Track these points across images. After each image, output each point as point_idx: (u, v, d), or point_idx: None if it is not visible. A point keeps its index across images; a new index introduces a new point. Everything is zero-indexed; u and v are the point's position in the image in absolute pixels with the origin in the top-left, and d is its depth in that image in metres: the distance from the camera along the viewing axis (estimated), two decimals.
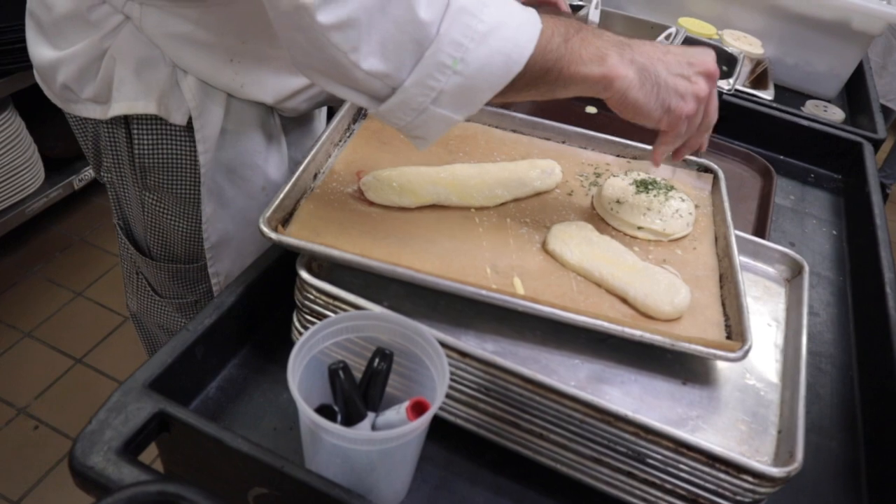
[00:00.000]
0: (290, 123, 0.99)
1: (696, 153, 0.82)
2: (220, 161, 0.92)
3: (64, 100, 0.93)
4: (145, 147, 0.92)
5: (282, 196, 0.72)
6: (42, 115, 2.10)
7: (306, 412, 0.52)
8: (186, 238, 1.00)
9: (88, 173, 2.19)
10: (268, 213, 0.69)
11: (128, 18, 0.83)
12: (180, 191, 0.95)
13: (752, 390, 0.69)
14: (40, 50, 0.91)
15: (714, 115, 0.77)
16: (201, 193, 0.94)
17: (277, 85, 0.89)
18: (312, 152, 0.79)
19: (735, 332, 0.70)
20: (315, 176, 0.79)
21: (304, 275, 0.67)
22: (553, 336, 0.70)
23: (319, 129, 1.08)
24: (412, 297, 0.70)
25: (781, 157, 1.31)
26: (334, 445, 0.53)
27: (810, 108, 1.51)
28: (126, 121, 0.90)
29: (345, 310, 0.65)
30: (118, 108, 0.88)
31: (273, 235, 0.68)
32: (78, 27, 0.86)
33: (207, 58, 0.84)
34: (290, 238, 0.68)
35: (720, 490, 0.61)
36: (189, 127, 0.89)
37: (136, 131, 0.90)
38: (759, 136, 1.30)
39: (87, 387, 1.81)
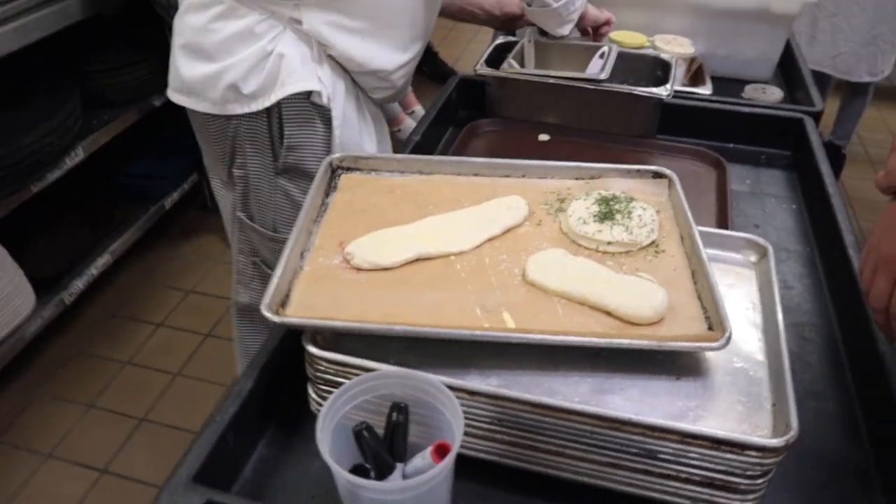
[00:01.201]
0: (375, 109, 1.34)
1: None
2: (341, 139, 1.21)
3: (223, 101, 1.17)
4: (294, 127, 1.19)
5: (276, 281, 0.76)
6: (23, 239, 2.14)
7: (342, 475, 0.56)
8: None
9: (77, 287, 2.23)
10: (267, 300, 0.74)
11: (292, 21, 1.13)
12: (315, 167, 1.14)
13: (742, 372, 0.75)
14: (196, 69, 1.17)
15: None
16: None
17: (392, 57, 1.22)
18: (294, 234, 0.83)
19: (715, 322, 0.75)
20: (302, 255, 0.84)
21: (311, 349, 0.72)
22: (550, 359, 0.75)
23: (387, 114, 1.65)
24: (414, 350, 0.75)
25: (731, 144, 1.36)
26: (372, 500, 0.58)
27: (749, 92, 1.59)
28: (268, 113, 1.17)
29: (355, 374, 0.70)
30: (287, 90, 1.15)
31: (276, 319, 0.72)
32: (244, 40, 1.13)
33: (347, 38, 1.16)
34: (291, 318, 0.73)
35: (730, 469, 0.65)
36: (328, 109, 1.18)
37: (286, 114, 1.18)
38: (705, 130, 1.35)
39: (117, 495, 1.83)
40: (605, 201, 0.91)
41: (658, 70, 1.40)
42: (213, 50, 1.15)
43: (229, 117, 1.19)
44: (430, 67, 3.90)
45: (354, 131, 1.26)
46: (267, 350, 0.79)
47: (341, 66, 1.21)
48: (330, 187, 0.97)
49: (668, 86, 1.28)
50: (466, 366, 0.74)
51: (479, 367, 0.74)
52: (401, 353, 0.75)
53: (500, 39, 1.50)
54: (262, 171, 1.24)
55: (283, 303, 0.77)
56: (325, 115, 1.20)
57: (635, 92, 1.28)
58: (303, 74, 1.15)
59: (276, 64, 1.14)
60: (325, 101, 1.18)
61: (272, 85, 1.15)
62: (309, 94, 1.17)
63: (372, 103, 1.32)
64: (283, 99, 1.16)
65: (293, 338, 0.77)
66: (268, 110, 1.17)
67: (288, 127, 1.19)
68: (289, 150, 1.21)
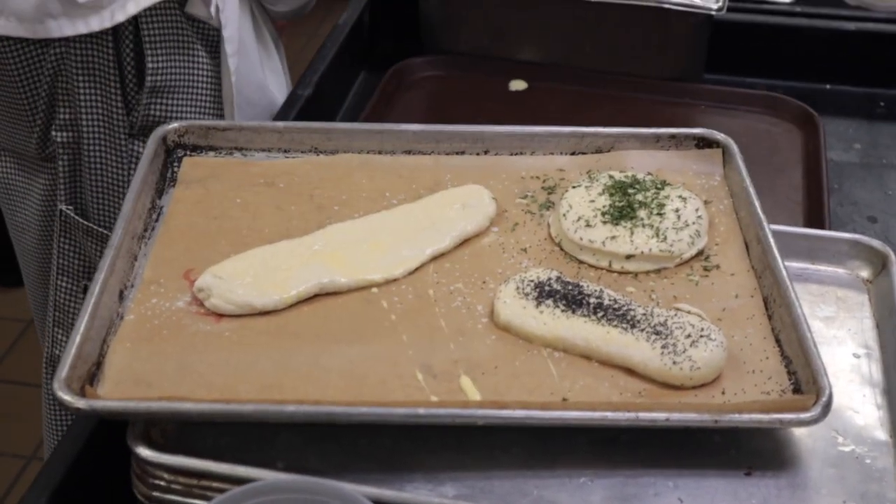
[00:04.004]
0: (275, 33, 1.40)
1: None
2: (238, 77, 1.21)
3: (39, 16, 1.15)
4: (161, 57, 1.21)
5: (78, 340, 0.77)
6: None
7: None
8: None
9: None
10: (63, 373, 0.74)
11: None
12: (200, 114, 1.20)
13: (852, 460, 0.78)
14: None
15: None
16: (228, 116, 1.21)
17: None
18: (107, 260, 0.84)
19: (804, 379, 0.78)
20: (121, 294, 0.86)
21: (144, 451, 0.73)
22: (540, 450, 0.77)
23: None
24: (316, 444, 0.77)
25: (828, 86, 1.41)
26: None
27: None
28: (116, 35, 1.18)
29: (220, 490, 0.71)
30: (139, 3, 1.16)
31: (80, 403, 0.73)
32: None
33: None
34: (108, 401, 0.74)
35: None
36: (214, 27, 1.21)
37: (148, 36, 1.19)
38: (784, 63, 1.40)
39: None
40: (620, 189, 0.94)
41: None
42: None
43: (47, 43, 1.19)
44: None
45: (254, 64, 1.27)
46: (63, 462, 0.80)
47: None
48: (166, 179, 0.99)
49: None
50: (404, 468, 0.76)
51: (424, 469, 0.76)
52: (296, 452, 0.77)
53: None
54: (106, 131, 1.25)
55: (93, 376, 0.78)
56: (209, 36, 1.22)
57: (666, 5, 1.30)
58: None
59: None
60: (211, 12, 1.19)
61: None
62: (183, 1, 1.18)
63: (270, 22, 1.34)
64: (143, 11, 1.17)
65: (110, 435, 0.78)
66: (116, 31, 1.18)
67: (151, 57, 1.20)
68: (152, 95, 1.22)
